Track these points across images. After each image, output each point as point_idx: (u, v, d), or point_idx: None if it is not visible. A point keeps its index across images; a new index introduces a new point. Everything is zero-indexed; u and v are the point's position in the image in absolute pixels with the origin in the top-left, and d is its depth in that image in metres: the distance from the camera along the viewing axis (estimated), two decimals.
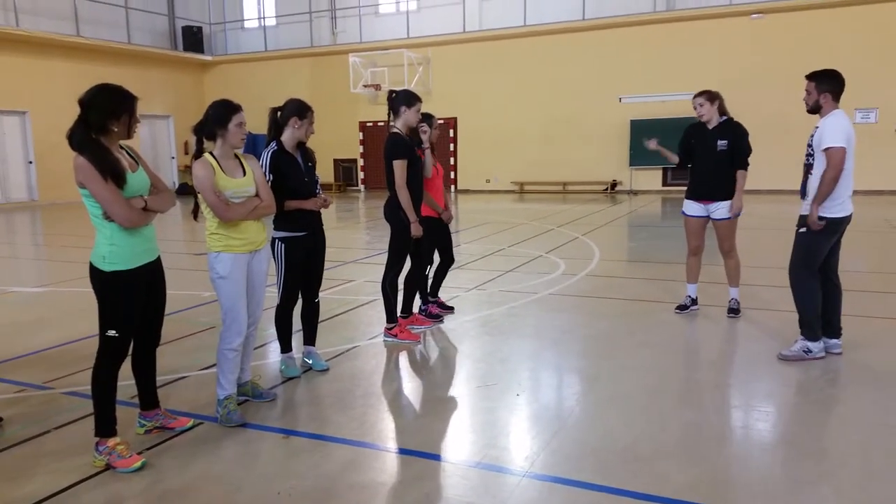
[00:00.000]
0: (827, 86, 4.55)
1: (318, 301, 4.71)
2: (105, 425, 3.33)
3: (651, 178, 19.38)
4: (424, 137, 5.39)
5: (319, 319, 4.79)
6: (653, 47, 18.59)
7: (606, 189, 19.61)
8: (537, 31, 19.82)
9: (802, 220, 4.64)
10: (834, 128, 4.46)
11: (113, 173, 3.16)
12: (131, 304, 3.33)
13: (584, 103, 19.57)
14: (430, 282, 6.01)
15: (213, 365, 4.24)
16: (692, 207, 5.81)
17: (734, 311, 5.79)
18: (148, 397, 3.69)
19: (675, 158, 6.00)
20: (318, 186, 4.58)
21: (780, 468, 3.24)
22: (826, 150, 4.45)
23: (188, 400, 4.16)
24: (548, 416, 3.92)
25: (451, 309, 6.13)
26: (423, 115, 5.59)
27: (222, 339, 3.80)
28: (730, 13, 17.84)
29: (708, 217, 5.76)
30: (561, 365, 4.86)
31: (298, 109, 4.35)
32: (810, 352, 4.64)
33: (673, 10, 18.50)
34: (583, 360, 4.91)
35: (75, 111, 3.22)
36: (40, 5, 19.24)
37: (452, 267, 6.08)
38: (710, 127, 5.64)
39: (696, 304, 5.98)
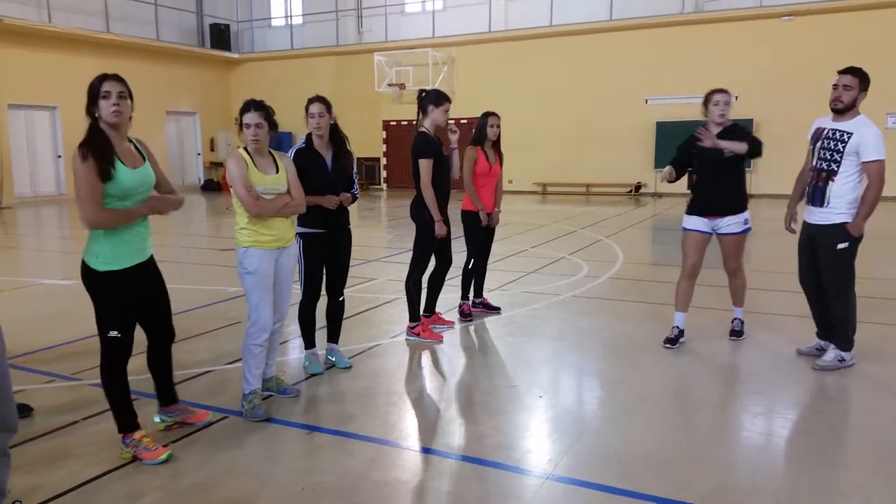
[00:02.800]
0: (865, 85, 4.39)
1: (343, 299, 4.74)
2: (125, 421, 3.36)
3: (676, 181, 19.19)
4: (453, 137, 5.42)
5: (343, 317, 4.81)
6: (680, 48, 18.42)
7: (630, 191, 19.48)
8: (563, 32, 19.74)
9: (837, 234, 4.43)
10: (878, 138, 4.29)
11: (98, 163, 3.05)
12: (127, 303, 3.29)
13: (608, 104, 19.45)
14: (472, 279, 6.00)
15: (239, 360, 4.30)
16: (694, 222, 5.03)
17: (737, 332, 5.27)
18: (166, 393, 3.71)
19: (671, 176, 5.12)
20: (356, 185, 4.60)
21: (806, 477, 3.20)
22: (871, 162, 4.29)
23: (213, 394, 4.22)
24: (570, 419, 3.90)
25: (497, 309, 6.13)
26: (485, 112, 5.75)
27: (248, 334, 3.84)
28: (759, 15, 17.61)
29: (711, 234, 5.01)
30: (583, 367, 4.84)
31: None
32: (844, 360, 4.58)
33: (701, 11, 18.31)
34: (605, 363, 4.88)
35: None
36: (72, 2, 19.55)
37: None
38: (714, 132, 4.84)
39: (684, 335, 5.17)
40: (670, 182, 5.23)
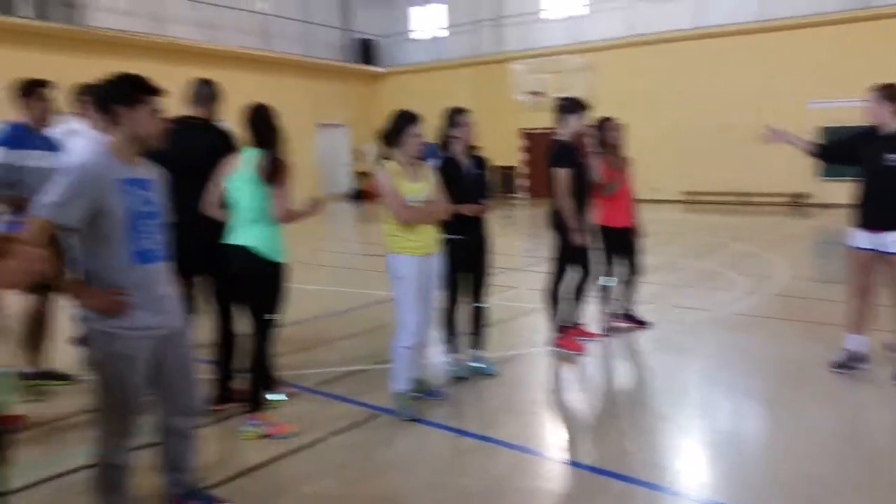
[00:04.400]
0: None
1: (485, 305, 4.77)
2: (258, 401, 3.71)
3: (843, 191, 17.56)
4: (591, 143, 5.30)
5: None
6: (846, 47, 16.90)
7: (790, 201, 18.10)
8: (712, 33, 18.77)
9: None
10: None
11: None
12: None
13: (763, 108, 18.18)
14: (618, 292, 5.84)
15: (388, 360, 4.44)
16: (860, 238, 4.51)
17: None
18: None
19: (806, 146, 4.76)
20: (488, 194, 4.65)
21: None
22: None
23: (364, 391, 4.39)
24: (724, 442, 3.68)
25: (645, 324, 5.89)
26: (603, 118, 5.57)
27: (398, 336, 3.96)
28: None
29: (880, 251, 4.41)
30: (739, 388, 4.53)
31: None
32: None
33: (868, 7, 16.71)
34: (765, 385, 4.54)
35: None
36: (232, 22, 21.22)
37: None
38: (881, 134, 4.39)
39: (866, 361, 4.57)
40: (807, 153, 4.86)
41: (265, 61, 21.35)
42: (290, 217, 3.65)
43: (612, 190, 5.53)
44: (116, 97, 2.53)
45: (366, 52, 25.00)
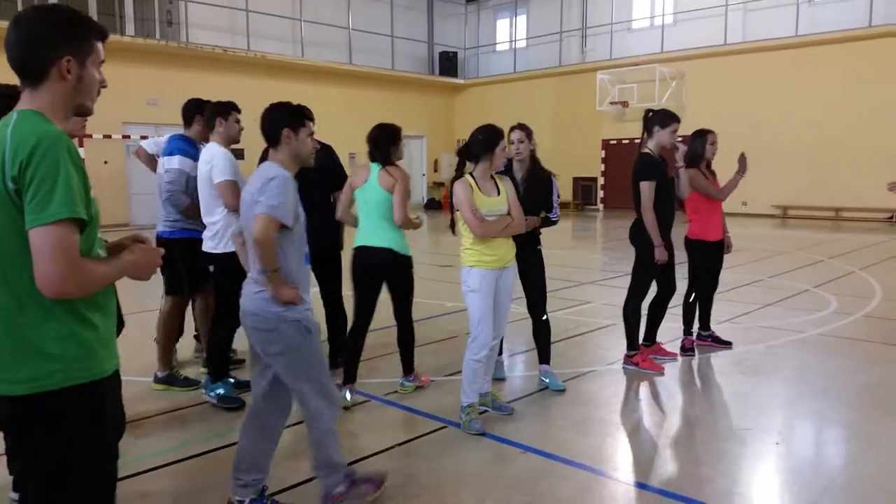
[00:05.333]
0: None
1: (547, 318, 4.74)
2: (412, 365, 4.63)
3: None
4: (678, 156, 5.15)
5: (556, 339, 4.78)
6: None
7: (892, 217, 16.98)
8: (810, 42, 17.89)
9: None
10: None
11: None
12: None
13: (864, 120, 17.19)
14: (695, 311, 5.64)
15: (457, 372, 4.45)
16: None
17: None
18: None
19: None
20: (555, 210, 4.63)
21: None
22: None
23: (433, 402, 4.41)
24: (811, 472, 3.48)
25: (727, 344, 5.67)
26: (701, 130, 5.47)
27: (469, 349, 3.96)
28: None
29: None
30: (829, 416, 4.28)
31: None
32: None
33: None
34: (857, 414, 4.27)
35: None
36: (321, 38, 21.92)
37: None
38: None
39: None
40: None
41: (350, 75, 21.94)
42: (406, 224, 4.25)
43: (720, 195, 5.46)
44: (284, 121, 2.92)
45: (447, 64, 25.28)
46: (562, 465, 3.50)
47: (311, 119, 3.01)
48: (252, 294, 2.85)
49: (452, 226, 4.09)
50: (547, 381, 4.70)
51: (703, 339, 5.68)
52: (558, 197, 4.70)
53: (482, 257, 3.90)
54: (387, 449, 3.68)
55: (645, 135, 5.02)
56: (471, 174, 3.97)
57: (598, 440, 3.88)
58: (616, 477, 3.43)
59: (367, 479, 3.12)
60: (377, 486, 3.12)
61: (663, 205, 4.91)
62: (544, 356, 4.77)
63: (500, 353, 4.82)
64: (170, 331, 4.72)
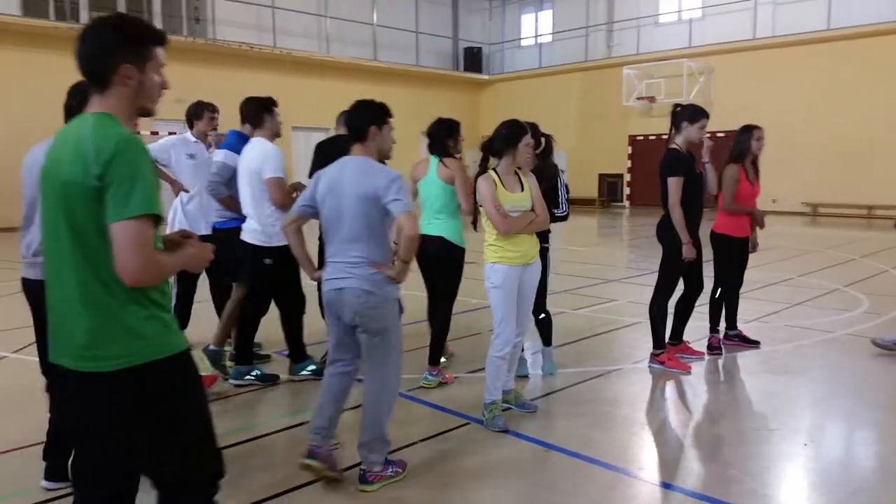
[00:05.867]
0: None
1: (543, 316, 4.83)
2: (438, 357, 4.65)
3: None
4: (704, 151, 5.09)
5: (580, 336, 4.76)
6: None
7: None
8: (843, 35, 17.53)
9: None
10: None
11: None
12: None
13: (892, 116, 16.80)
14: (721, 308, 5.57)
15: (480, 369, 4.45)
16: None
17: None
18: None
19: None
20: (562, 207, 4.66)
21: None
22: None
23: (456, 398, 4.41)
24: (840, 474, 3.42)
25: (755, 343, 5.59)
26: (748, 125, 5.38)
27: (493, 345, 3.95)
28: None
29: None
30: (860, 417, 4.20)
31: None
32: None
33: None
34: (887, 415, 4.19)
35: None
36: (347, 34, 22.01)
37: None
38: None
39: None
40: None
41: (375, 71, 21.99)
42: (468, 211, 4.37)
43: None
44: (371, 118, 3.19)
45: (472, 60, 25.21)
46: (586, 464, 3.48)
47: (391, 116, 3.28)
48: (365, 276, 3.11)
49: (475, 222, 4.09)
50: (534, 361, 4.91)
51: (729, 338, 5.60)
52: (567, 193, 4.68)
53: (505, 254, 3.89)
54: (410, 444, 3.68)
55: (673, 130, 4.96)
56: (494, 170, 3.95)
57: (624, 439, 3.85)
58: (641, 476, 3.41)
59: (395, 462, 3.34)
60: (403, 467, 3.34)
61: (691, 201, 4.85)
62: (546, 342, 4.91)
63: (523, 350, 4.82)
64: (235, 315, 4.80)
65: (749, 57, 19.20)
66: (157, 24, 17.74)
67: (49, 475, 3.14)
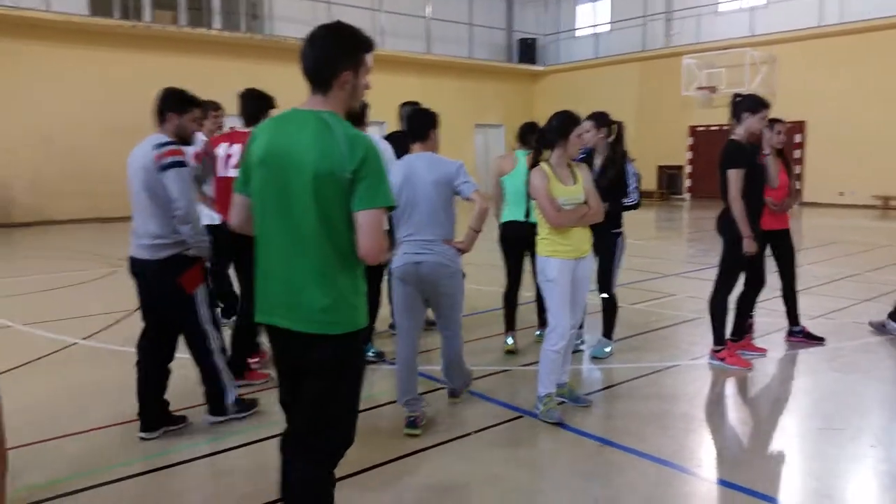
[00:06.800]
0: None
1: (606, 297, 5.01)
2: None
3: None
4: (765, 143, 4.93)
5: (638, 331, 4.69)
6: None
7: None
8: None
9: None
10: None
11: None
12: None
13: None
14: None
15: (532, 362, 4.44)
16: None
17: None
18: None
19: None
20: (632, 196, 4.73)
21: None
22: None
23: (510, 392, 4.41)
24: None
25: (820, 340, 5.41)
26: (770, 119, 5.15)
27: (547, 339, 3.93)
28: None
29: None
30: None
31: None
32: None
33: None
34: None
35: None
36: (400, 28, 22.10)
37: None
38: None
39: None
40: None
41: (428, 64, 22.03)
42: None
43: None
44: (430, 123, 3.80)
45: (526, 51, 24.99)
46: (641, 460, 3.43)
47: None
48: (441, 251, 3.65)
49: (527, 214, 4.08)
50: (586, 347, 5.08)
51: (793, 335, 5.42)
52: (638, 181, 4.63)
53: (557, 247, 3.86)
54: (463, 436, 3.70)
55: (733, 121, 4.82)
56: (547, 161, 3.92)
57: (680, 436, 3.78)
58: (698, 473, 3.34)
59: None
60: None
61: (752, 194, 4.71)
62: (606, 331, 5.03)
63: (582, 342, 5.05)
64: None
65: (814, 45, 18.45)
66: (216, 19, 18.31)
67: (144, 428, 3.72)
